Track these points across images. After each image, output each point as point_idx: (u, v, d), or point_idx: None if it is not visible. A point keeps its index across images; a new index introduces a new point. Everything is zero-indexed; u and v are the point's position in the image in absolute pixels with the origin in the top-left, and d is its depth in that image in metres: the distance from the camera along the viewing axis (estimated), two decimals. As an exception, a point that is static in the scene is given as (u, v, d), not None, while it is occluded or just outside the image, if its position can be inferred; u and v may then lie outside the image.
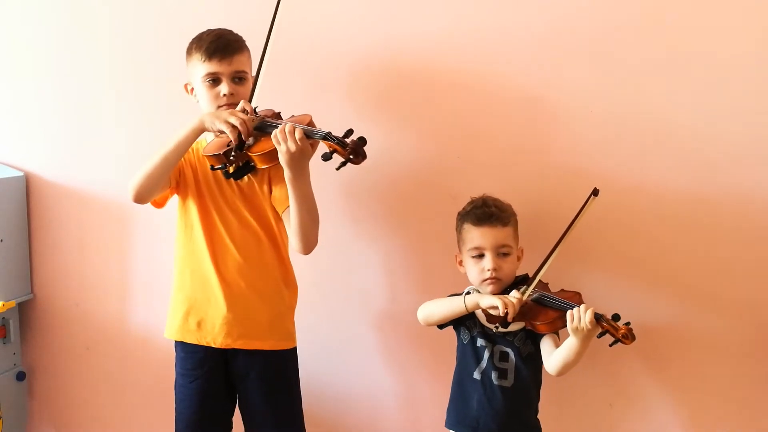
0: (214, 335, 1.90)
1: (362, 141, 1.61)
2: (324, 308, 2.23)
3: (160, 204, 1.96)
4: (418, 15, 2.11)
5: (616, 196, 2.05)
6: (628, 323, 1.68)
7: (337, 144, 1.62)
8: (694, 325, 2.05)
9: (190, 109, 2.20)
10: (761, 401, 2.04)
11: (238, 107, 1.77)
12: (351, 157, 1.60)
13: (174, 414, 2.00)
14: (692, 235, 2.02)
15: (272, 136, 1.69)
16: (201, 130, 1.80)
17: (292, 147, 1.66)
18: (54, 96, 2.40)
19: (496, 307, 1.73)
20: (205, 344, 1.91)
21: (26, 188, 2.44)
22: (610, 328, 1.66)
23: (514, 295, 1.74)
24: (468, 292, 1.87)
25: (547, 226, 2.08)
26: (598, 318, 1.67)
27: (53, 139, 2.42)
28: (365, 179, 2.14)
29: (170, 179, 1.88)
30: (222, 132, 1.75)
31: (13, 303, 2.37)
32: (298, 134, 1.66)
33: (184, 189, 1.94)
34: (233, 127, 1.71)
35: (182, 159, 1.88)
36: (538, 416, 1.92)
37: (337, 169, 1.63)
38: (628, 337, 1.66)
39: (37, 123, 2.43)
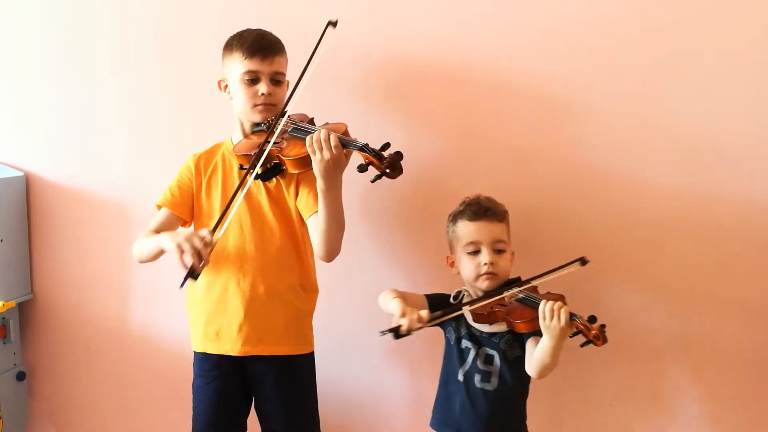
0: (233, 343, 1.89)
1: (399, 155, 1.60)
2: (332, 310, 2.22)
3: (186, 225, 1.98)
4: (418, 15, 2.11)
5: (618, 196, 2.05)
6: (602, 325, 1.65)
7: (374, 156, 1.61)
8: (694, 327, 2.05)
9: (190, 109, 2.21)
10: (761, 403, 2.04)
11: (202, 233, 1.69)
12: (387, 171, 1.59)
13: (183, 413, 2.00)
14: (693, 235, 2.02)
15: (306, 144, 1.66)
16: (162, 250, 1.80)
17: (327, 155, 1.63)
18: (54, 96, 2.40)
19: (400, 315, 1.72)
20: (224, 353, 1.90)
21: (26, 188, 2.44)
22: (583, 329, 1.64)
23: (422, 314, 1.72)
24: (459, 293, 1.88)
25: (548, 226, 2.09)
26: (572, 317, 1.65)
27: (53, 139, 2.42)
28: (365, 179, 2.13)
29: (184, 217, 1.93)
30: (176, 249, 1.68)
31: (13, 303, 2.36)
32: (333, 141, 1.64)
33: (199, 211, 1.94)
34: (182, 251, 1.65)
35: (192, 188, 1.93)
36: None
37: (372, 181, 1.63)
38: (600, 338, 1.63)
39: (37, 123, 2.43)
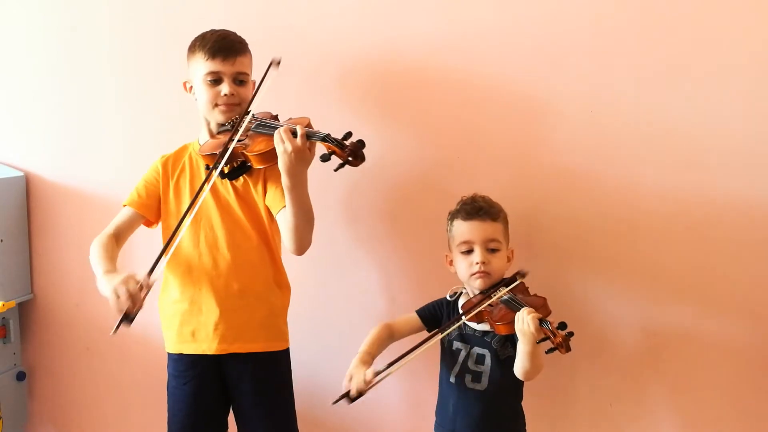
0: (209, 343, 1.89)
1: (361, 143, 1.60)
2: (322, 309, 2.23)
3: (150, 225, 2.00)
4: (415, 15, 2.11)
5: (616, 197, 2.05)
6: (569, 333, 1.63)
7: (336, 145, 1.61)
8: (694, 327, 2.05)
9: (190, 109, 2.20)
10: (761, 403, 2.04)
11: (137, 276, 1.68)
12: (350, 159, 1.60)
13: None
14: (692, 236, 2.02)
15: (275, 135, 1.67)
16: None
17: (289, 147, 1.64)
18: (54, 96, 2.40)
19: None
20: (201, 353, 1.91)
21: (26, 188, 2.44)
22: (550, 335, 1.63)
23: (367, 375, 1.71)
24: (456, 293, 1.89)
25: (547, 226, 2.09)
26: (542, 323, 1.64)
27: (53, 139, 2.42)
28: (363, 179, 2.13)
29: (149, 218, 1.95)
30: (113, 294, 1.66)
31: (13, 303, 2.37)
32: (299, 131, 1.64)
33: (166, 212, 1.95)
34: (117, 296, 1.64)
35: (159, 190, 1.94)
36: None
37: (335, 170, 1.62)
38: (563, 346, 1.62)
39: (37, 123, 2.43)
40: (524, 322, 1.65)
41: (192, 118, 2.23)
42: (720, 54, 1.95)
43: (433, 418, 1.94)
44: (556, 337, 1.62)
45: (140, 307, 1.66)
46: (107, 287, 1.69)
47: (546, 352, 1.67)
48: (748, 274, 2.00)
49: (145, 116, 2.34)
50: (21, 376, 2.45)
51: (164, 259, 1.76)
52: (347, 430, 2.31)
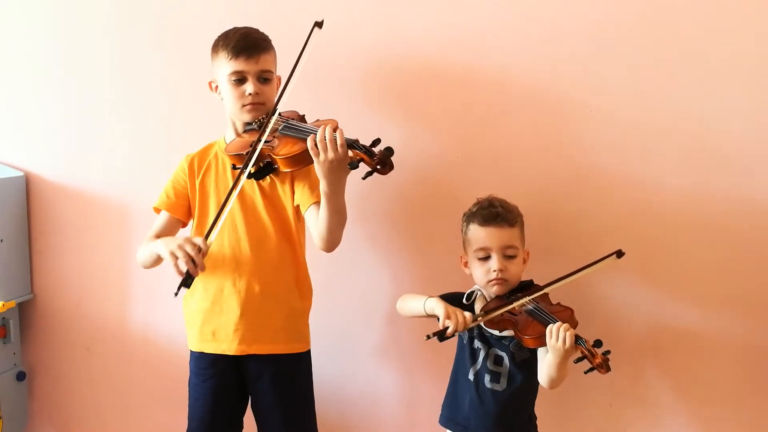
0: (229, 343, 1.89)
1: (389, 151, 1.58)
2: (328, 309, 2.22)
3: (183, 225, 1.99)
4: (419, 15, 2.11)
5: (618, 196, 2.05)
6: (607, 352, 1.61)
7: (365, 153, 1.59)
8: (695, 326, 2.05)
9: (190, 109, 2.22)
10: (761, 402, 2.04)
11: (195, 240, 1.71)
12: (378, 167, 1.58)
13: (184, 413, 1.99)
14: (694, 235, 2.02)
15: (313, 144, 1.63)
16: (159, 257, 1.79)
17: (331, 155, 1.61)
18: (54, 96, 2.40)
19: (444, 319, 1.73)
20: (221, 352, 1.90)
21: (26, 188, 2.44)
22: (587, 354, 1.60)
23: (467, 316, 1.72)
24: (472, 294, 1.87)
25: (550, 226, 2.09)
26: (578, 341, 1.62)
27: (53, 139, 2.42)
28: (375, 179, 2.13)
29: (181, 219, 1.95)
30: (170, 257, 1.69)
31: (13, 303, 2.36)
32: (339, 140, 1.61)
33: (194, 212, 1.95)
34: (175, 258, 1.67)
35: (187, 189, 1.94)
36: (537, 418, 1.91)
37: (363, 178, 1.61)
38: (603, 366, 1.59)
39: (37, 123, 2.43)
40: (559, 338, 1.63)
41: (193, 118, 2.25)
42: (725, 52, 1.95)
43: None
44: (595, 358, 1.60)
45: (202, 269, 1.68)
46: (164, 248, 1.71)
47: (585, 372, 1.64)
48: (752, 274, 2.00)
49: (144, 116, 2.33)
50: (21, 376, 2.45)
51: (219, 224, 1.75)
52: (347, 428, 2.31)
